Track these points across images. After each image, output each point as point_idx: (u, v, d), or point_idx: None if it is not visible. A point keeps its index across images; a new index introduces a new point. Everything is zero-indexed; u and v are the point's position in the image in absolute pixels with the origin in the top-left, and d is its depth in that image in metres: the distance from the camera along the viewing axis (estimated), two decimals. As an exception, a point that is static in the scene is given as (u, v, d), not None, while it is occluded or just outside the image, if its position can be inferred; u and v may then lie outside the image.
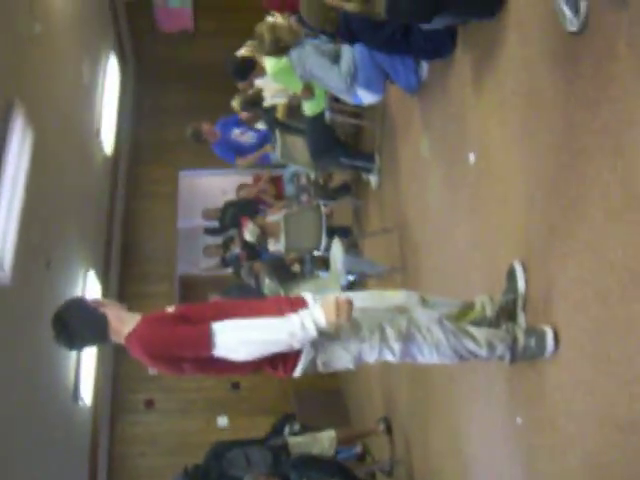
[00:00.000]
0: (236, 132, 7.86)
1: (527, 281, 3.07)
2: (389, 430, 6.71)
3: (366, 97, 5.13)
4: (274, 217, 7.50)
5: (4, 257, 5.84)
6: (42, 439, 6.74)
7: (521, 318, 3.08)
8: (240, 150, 7.93)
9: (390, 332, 2.90)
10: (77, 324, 2.94)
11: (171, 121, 11.38)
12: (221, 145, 7.96)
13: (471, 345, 2.94)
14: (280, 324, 2.82)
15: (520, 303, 3.09)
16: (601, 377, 2.50)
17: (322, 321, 2.79)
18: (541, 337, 2.84)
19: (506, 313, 3.12)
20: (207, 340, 2.81)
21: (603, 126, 2.44)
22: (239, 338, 2.84)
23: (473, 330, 2.99)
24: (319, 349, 2.91)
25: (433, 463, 5.13)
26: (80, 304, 3.04)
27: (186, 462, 7.66)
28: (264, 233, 7.72)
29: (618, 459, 2.42)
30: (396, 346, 2.91)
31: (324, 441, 6.48)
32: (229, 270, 9.41)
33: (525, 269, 3.10)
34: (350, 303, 2.82)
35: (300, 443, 6.43)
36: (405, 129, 5.64)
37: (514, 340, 2.94)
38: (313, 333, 2.79)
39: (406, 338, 2.91)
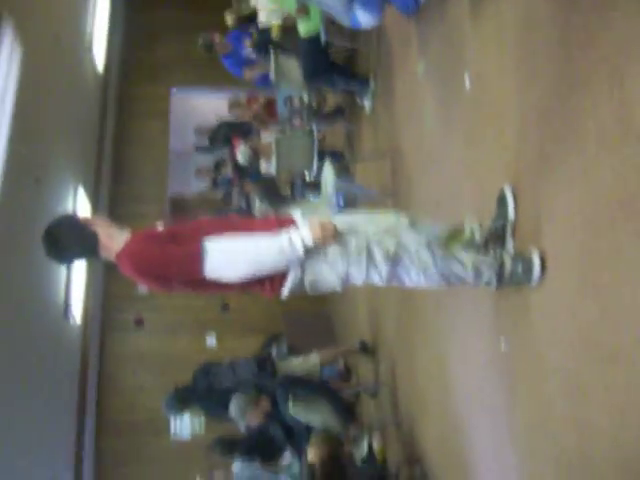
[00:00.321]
0: (247, 43, 7.67)
1: (517, 208, 3.07)
2: (364, 349, 6.84)
3: (364, 19, 5.02)
4: (267, 138, 7.44)
5: (-7, 173, 5.81)
6: (32, 356, 6.81)
7: (509, 244, 3.09)
8: (248, 64, 7.78)
9: (378, 253, 2.90)
10: (67, 239, 2.94)
11: (163, 39, 11.21)
12: (231, 58, 7.81)
13: (459, 269, 2.95)
14: (269, 242, 2.84)
15: (509, 229, 3.09)
16: (586, 305, 2.52)
17: (309, 238, 2.82)
18: (528, 263, 2.85)
19: (495, 239, 3.12)
20: (197, 260, 2.82)
21: (601, 57, 2.40)
22: (228, 258, 2.85)
23: (461, 255, 3.00)
24: (306, 269, 2.92)
25: (417, 385, 5.21)
26: (71, 220, 3.03)
27: (175, 380, 7.82)
28: (256, 154, 7.68)
29: (597, 387, 2.46)
30: (383, 268, 2.91)
31: (309, 362, 6.60)
32: (220, 192, 9.40)
33: (515, 196, 3.09)
34: (333, 224, 2.87)
35: (286, 364, 6.55)
36: (401, 53, 5.56)
37: (501, 265, 2.95)
38: (300, 251, 2.82)
39: (394, 260, 2.91)
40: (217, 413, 6.37)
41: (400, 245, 2.92)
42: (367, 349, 6.92)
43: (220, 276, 2.87)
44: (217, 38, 7.70)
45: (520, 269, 2.89)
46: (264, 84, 7.93)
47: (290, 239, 2.82)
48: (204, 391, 6.34)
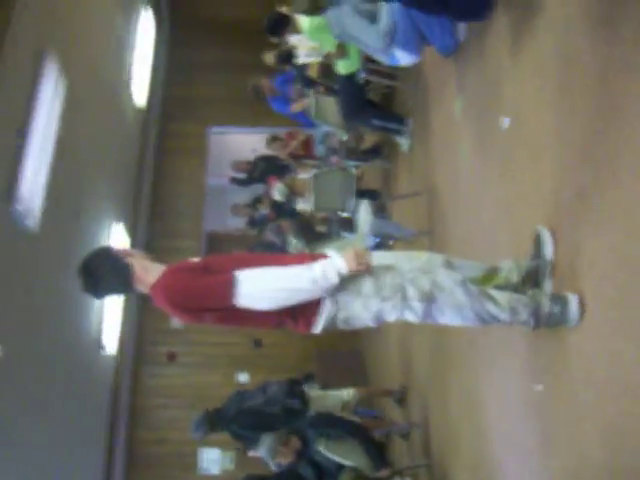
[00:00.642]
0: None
1: (554, 247, 3.03)
2: (402, 400, 6.78)
3: (403, 58, 5.07)
4: (304, 176, 7.48)
5: (34, 204, 5.89)
6: (65, 386, 6.86)
7: (547, 284, 3.05)
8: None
9: (412, 292, 2.88)
10: (103, 272, 2.96)
11: (203, 77, 11.39)
12: (278, 101, 7.95)
13: (494, 309, 2.91)
14: (302, 271, 2.84)
15: (547, 269, 3.05)
16: (625, 347, 2.47)
17: (343, 268, 2.81)
18: (565, 304, 2.81)
19: (532, 279, 3.08)
20: (230, 288, 2.83)
21: (640, 91, 2.38)
22: (261, 286, 2.85)
23: (496, 294, 2.96)
24: (340, 305, 2.91)
25: (450, 427, 5.13)
26: (107, 252, 3.05)
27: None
28: (293, 192, 7.72)
29: (635, 430, 2.40)
30: (418, 306, 2.89)
31: (343, 396, 6.54)
32: (255, 230, 9.43)
33: (553, 235, 3.06)
34: (368, 252, 2.88)
35: (319, 396, 6.49)
36: (439, 92, 5.57)
37: (538, 306, 2.91)
38: (334, 280, 2.82)
39: (428, 299, 2.89)
40: (245, 435, 6.33)
41: (435, 284, 2.90)
42: (404, 398, 6.84)
43: (252, 304, 2.87)
44: (265, 82, 7.85)
45: (557, 310, 2.84)
46: (305, 121, 8.02)
47: (324, 268, 2.81)
48: (234, 413, 6.33)
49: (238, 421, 6.31)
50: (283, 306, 2.86)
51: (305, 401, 6.41)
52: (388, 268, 2.97)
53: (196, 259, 3.08)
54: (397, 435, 6.91)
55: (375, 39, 4.94)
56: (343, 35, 5.22)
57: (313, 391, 6.64)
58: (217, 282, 2.86)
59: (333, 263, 2.83)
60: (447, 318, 2.93)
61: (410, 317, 2.94)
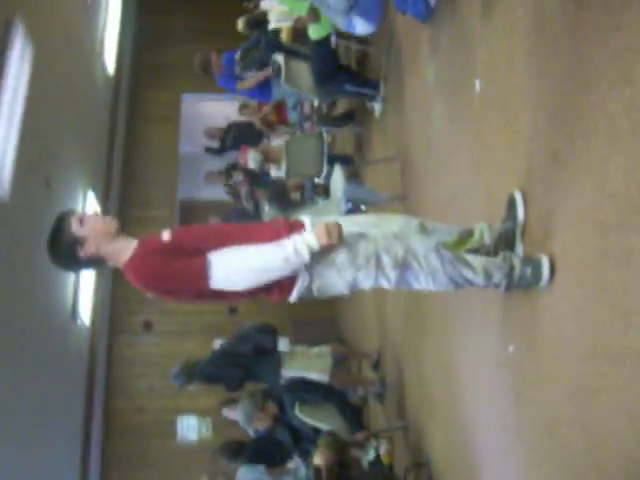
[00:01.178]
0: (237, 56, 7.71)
1: (526, 210, 3.05)
2: (377, 364, 6.85)
3: (360, 26, 5.02)
4: (277, 142, 7.45)
5: (2, 173, 5.82)
6: (40, 357, 6.83)
7: (519, 247, 3.07)
8: (240, 79, 7.83)
9: (386, 260, 2.88)
10: (64, 254, 2.92)
11: (174, 43, 11.25)
12: (224, 77, 7.87)
13: (468, 273, 2.93)
14: (274, 251, 2.82)
15: (519, 232, 3.08)
16: (595, 307, 2.50)
17: (314, 244, 2.80)
18: (537, 266, 2.83)
19: (504, 242, 3.10)
20: (203, 273, 2.82)
21: (612, 55, 2.38)
22: (234, 269, 2.85)
23: (470, 258, 2.98)
24: (314, 275, 2.90)
25: (425, 390, 5.20)
26: (58, 228, 2.93)
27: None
28: (267, 159, 7.68)
29: (606, 389, 2.44)
30: (392, 273, 2.90)
31: (320, 361, 6.58)
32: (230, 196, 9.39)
33: (525, 198, 3.07)
34: (339, 225, 2.84)
35: (295, 358, 6.53)
36: (412, 56, 5.55)
37: (511, 268, 2.93)
38: (306, 256, 2.80)
39: (402, 266, 2.89)
40: (218, 374, 6.42)
41: (409, 250, 2.90)
42: (377, 366, 6.90)
43: (227, 286, 2.88)
44: (214, 57, 7.77)
45: (529, 272, 2.87)
46: (261, 95, 7.93)
47: (295, 246, 2.80)
48: (208, 358, 6.44)
49: (211, 363, 6.40)
50: (257, 285, 2.87)
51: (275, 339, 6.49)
52: (361, 236, 2.95)
53: (167, 233, 2.98)
54: (372, 396, 6.98)
55: (336, 1, 4.87)
56: None
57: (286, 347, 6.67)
58: (190, 266, 2.84)
59: (304, 239, 2.81)
60: (421, 283, 2.95)
61: (384, 284, 2.95)
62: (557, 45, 2.82)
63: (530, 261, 2.89)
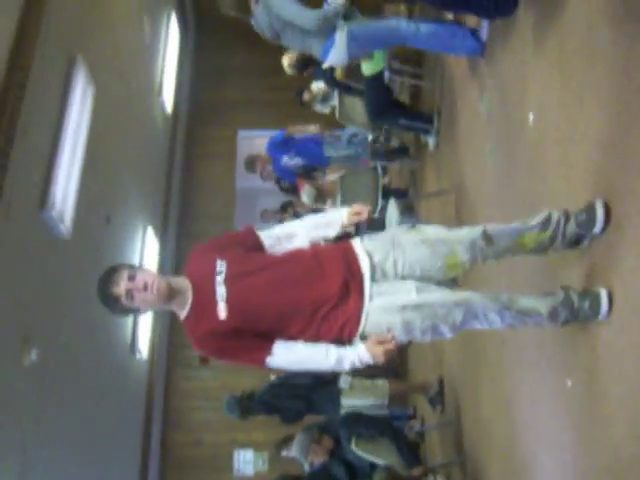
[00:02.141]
0: (285, 159, 7.79)
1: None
2: (441, 392, 6.72)
3: (332, 56, 4.93)
4: (331, 177, 7.49)
5: (65, 211, 5.97)
6: (100, 390, 6.94)
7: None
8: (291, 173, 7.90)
9: (445, 329, 2.91)
10: (111, 305, 2.99)
11: (230, 81, 11.45)
12: (275, 168, 7.97)
13: (530, 320, 2.94)
14: (325, 358, 2.92)
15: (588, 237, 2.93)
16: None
17: (366, 358, 2.88)
18: (596, 299, 2.80)
19: (568, 242, 2.98)
20: (262, 362, 2.95)
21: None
22: (289, 365, 3.02)
23: (535, 303, 2.92)
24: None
25: (482, 424, 5.13)
26: (101, 285, 2.97)
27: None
28: (321, 194, 7.73)
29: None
30: (450, 334, 2.96)
31: (377, 389, 6.55)
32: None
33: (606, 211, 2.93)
34: (394, 342, 2.86)
35: (353, 388, 6.51)
36: (464, 90, 5.57)
37: (570, 302, 2.89)
38: (347, 369, 2.97)
39: (461, 327, 2.93)
40: (275, 405, 6.44)
41: (468, 312, 2.89)
42: (437, 403, 6.77)
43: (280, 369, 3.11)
44: (260, 161, 7.89)
45: (587, 306, 2.83)
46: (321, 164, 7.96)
47: (339, 360, 2.91)
48: (264, 389, 6.48)
49: (268, 394, 6.43)
50: None
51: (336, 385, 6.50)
52: (417, 307, 2.88)
53: (222, 306, 2.93)
54: (428, 401, 6.82)
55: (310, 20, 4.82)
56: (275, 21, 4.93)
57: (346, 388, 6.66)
58: (253, 357, 2.98)
59: (353, 358, 2.89)
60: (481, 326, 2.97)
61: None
62: (611, 77, 2.81)
63: (587, 294, 2.86)
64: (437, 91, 6.47)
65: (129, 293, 2.89)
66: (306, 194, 7.61)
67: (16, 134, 5.04)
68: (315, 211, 7.90)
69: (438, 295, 2.91)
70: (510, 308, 2.90)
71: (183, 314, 3.01)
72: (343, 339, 2.94)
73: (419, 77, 7.17)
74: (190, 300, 2.98)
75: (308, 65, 7.41)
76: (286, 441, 6.57)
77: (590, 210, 2.82)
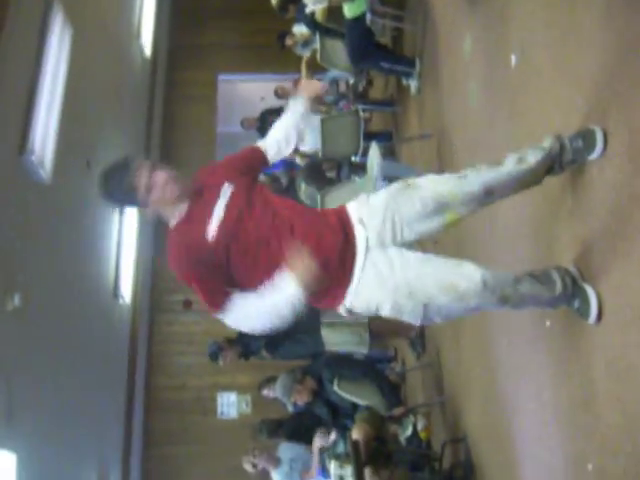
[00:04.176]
0: None
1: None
2: (422, 335, 6.82)
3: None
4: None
5: (45, 156, 5.92)
6: (84, 334, 6.98)
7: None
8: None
9: (436, 319, 2.82)
10: (113, 188, 2.93)
11: (210, 24, 11.30)
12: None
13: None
14: (261, 304, 2.72)
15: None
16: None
17: (296, 292, 2.63)
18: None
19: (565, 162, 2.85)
20: (218, 308, 2.79)
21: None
22: (243, 323, 2.85)
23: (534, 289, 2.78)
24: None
25: (462, 366, 5.23)
26: (121, 171, 2.90)
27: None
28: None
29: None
30: (440, 321, 2.89)
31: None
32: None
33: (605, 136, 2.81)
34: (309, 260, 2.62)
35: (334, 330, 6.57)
36: (447, 32, 5.54)
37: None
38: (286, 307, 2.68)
39: (453, 319, 2.94)
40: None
41: (465, 309, 2.78)
42: (418, 347, 6.87)
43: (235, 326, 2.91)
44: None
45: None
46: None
47: (276, 299, 2.67)
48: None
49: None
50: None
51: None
52: (411, 295, 2.72)
53: (215, 226, 2.80)
54: (409, 345, 6.93)
55: None
56: None
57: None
58: (210, 298, 2.81)
59: (287, 294, 2.64)
60: None
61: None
62: (592, 17, 2.81)
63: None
64: (419, 34, 6.42)
65: (147, 187, 2.82)
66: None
67: (-7, 79, 4.98)
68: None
69: (436, 280, 2.72)
70: (508, 300, 2.75)
71: (174, 220, 2.89)
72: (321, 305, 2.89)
73: (401, 19, 7.10)
74: (187, 207, 2.87)
75: (288, 3, 7.33)
76: (269, 381, 6.66)
77: (588, 135, 2.73)
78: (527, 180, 2.86)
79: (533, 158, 2.79)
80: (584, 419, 2.94)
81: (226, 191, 2.88)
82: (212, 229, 2.80)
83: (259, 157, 3.10)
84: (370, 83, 8.58)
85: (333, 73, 8.18)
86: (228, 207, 2.84)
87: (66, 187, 6.52)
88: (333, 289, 2.80)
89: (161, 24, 11.03)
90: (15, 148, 5.47)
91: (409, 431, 6.09)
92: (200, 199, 2.88)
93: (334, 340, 6.45)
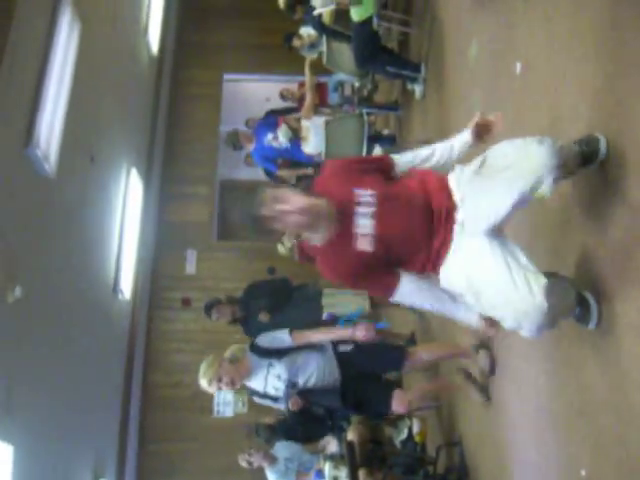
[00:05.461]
0: (269, 137, 7.65)
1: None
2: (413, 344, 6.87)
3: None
4: (305, 122, 7.42)
5: (50, 150, 5.95)
6: (83, 329, 7.00)
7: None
8: (274, 155, 7.78)
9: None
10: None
11: (217, 23, 11.33)
12: (257, 152, 7.85)
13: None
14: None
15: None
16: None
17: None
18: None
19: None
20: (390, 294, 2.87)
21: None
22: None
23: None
24: None
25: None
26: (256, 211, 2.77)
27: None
28: (297, 136, 7.65)
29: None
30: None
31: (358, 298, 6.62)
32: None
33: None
34: None
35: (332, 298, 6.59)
36: (452, 38, 5.57)
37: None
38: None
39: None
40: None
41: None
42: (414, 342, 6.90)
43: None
44: (243, 134, 7.84)
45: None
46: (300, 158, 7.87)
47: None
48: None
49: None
50: None
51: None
52: (476, 294, 2.68)
53: (367, 240, 2.74)
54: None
55: None
56: None
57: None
58: (383, 286, 2.88)
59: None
60: None
61: None
62: (597, 28, 2.84)
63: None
64: (425, 39, 6.45)
65: (278, 215, 2.72)
66: (282, 133, 7.56)
67: (1, 72, 5.00)
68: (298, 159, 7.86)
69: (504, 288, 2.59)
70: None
71: (320, 239, 2.81)
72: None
73: (407, 24, 7.14)
74: (334, 226, 2.76)
75: (296, 4, 7.35)
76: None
77: (591, 141, 2.72)
78: None
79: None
80: (579, 425, 2.97)
81: (365, 198, 2.76)
82: (362, 239, 2.75)
83: (388, 165, 2.91)
84: (375, 87, 8.61)
85: (338, 76, 8.21)
86: (375, 212, 2.75)
87: (70, 182, 6.55)
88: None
89: (168, 21, 11.06)
90: (21, 141, 5.49)
91: (404, 434, 6.12)
92: (342, 214, 2.76)
93: (333, 303, 6.45)
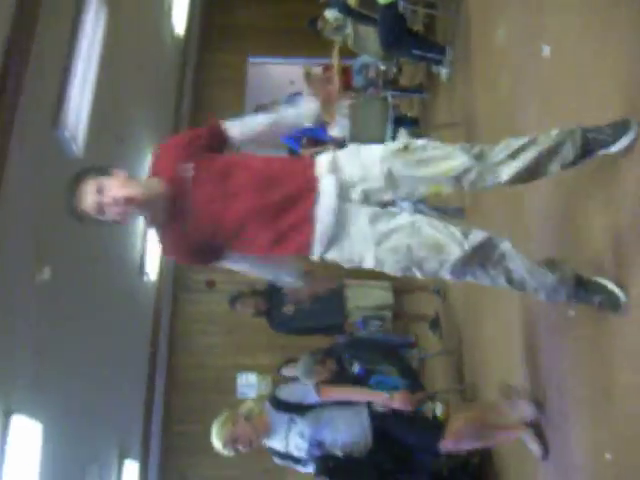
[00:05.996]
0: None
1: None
2: (436, 325, 6.89)
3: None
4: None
5: (78, 130, 6.00)
6: (110, 310, 7.08)
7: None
8: (299, 135, 7.89)
9: (417, 273, 2.74)
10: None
11: (243, 5, 11.31)
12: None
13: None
14: None
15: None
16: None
17: None
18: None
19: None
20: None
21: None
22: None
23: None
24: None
25: (482, 353, 5.26)
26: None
27: (243, 342, 7.86)
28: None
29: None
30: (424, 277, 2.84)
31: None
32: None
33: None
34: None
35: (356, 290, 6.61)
36: (479, 21, 5.54)
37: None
38: None
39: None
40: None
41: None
42: (438, 326, 6.95)
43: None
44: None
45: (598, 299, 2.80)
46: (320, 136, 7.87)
47: None
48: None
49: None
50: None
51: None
52: (394, 250, 2.67)
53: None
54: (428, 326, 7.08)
55: None
56: None
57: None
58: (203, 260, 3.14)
59: None
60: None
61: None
62: (632, 17, 2.81)
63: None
64: (452, 21, 6.42)
65: (99, 207, 2.74)
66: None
67: (30, 55, 5.04)
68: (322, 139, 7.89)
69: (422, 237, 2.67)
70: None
71: (157, 221, 2.89)
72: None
73: (434, 6, 7.09)
74: (165, 206, 2.82)
75: None
76: (288, 362, 6.72)
77: (624, 122, 2.68)
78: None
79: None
80: (603, 409, 2.97)
81: (188, 172, 2.85)
82: (187, 216, 2.83)
83: (217, 134, 3.20)
84: (400, 70, 8.57)
85: (363, 59, 8.18)
86: (194, 187, 2.85)
87: (97, 162, 6.57)
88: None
89: (194, 4, 11.07)
90: (49, 122, 5.54)
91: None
92: (173, 193, 2.86)
93: (358, 296, 6.50)
